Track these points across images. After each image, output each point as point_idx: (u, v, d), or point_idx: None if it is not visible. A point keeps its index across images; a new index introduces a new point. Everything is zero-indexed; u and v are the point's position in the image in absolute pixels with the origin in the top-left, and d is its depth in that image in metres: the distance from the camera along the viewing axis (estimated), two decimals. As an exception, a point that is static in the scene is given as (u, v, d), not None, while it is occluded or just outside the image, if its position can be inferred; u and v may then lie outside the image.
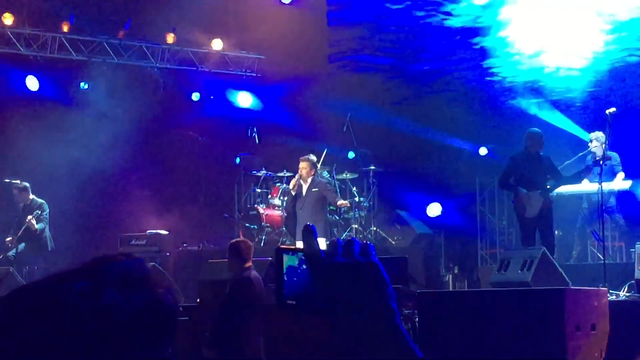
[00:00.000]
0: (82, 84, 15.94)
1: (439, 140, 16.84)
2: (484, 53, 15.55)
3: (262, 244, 14.13)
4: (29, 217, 13.79)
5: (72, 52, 15.72)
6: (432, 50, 15.95)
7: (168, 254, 14.42)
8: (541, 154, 11.63)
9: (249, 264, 8.87)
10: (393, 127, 17.00)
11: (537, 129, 12.00)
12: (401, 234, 15.51)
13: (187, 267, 13.60)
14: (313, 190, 12.77)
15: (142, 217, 15.65)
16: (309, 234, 1.55)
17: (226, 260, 8.99)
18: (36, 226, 13.83)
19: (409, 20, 15.14)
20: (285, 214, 14.50)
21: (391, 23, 15.49)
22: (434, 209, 16.78)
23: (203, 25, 16.18)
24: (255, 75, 17.15)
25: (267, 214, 14.53)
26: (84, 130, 15.39)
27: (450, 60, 16.08)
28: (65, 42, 15.62)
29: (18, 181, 14.25)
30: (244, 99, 16.75)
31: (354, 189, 15.02)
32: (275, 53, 16.62)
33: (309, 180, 12.84)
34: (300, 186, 12.90)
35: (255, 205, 14.93)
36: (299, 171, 12.90)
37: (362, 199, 14.87)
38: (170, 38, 16.19)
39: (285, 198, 14.49)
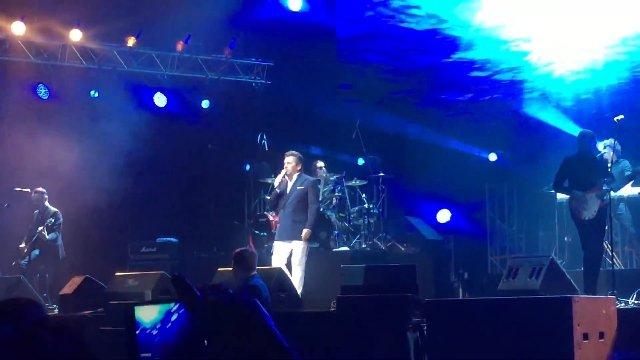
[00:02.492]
0: (92, 92, 16.00)
1: (448, 146, 16.83)
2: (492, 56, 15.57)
3: (271, 251, 14.13)
4: (40, 227, 13.87)
5: (83, 60, 15.78)
6: (439, 52, 15.98)
7: (178, 261, 14.45)
8: (595, 155, 11.45)
9: (254, 272, 8.88)
10: (402, 133, 17.01)
11: (588, 130, 11.69)
12: (411, 241, 15.48)
13: (198, 275, 13.60)
14: (298, 187, 12.05)
15: (152, 224, 15.70)
16: (179, 281, 1.55)
17: (237, 268, 8.99)
18: (47, 237, 13.91)
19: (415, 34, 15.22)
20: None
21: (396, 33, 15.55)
22: (444, 215, 16.78)
23: (212, 33, 16.24)
24: (264, 82, 17.19)
25: (276, 221, 14.49)
26: (94, 138, 15.46)
27: (460, 64, 16.10)
28: (75, 50, 15.70)
29: (28, 190, 14.33)
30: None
31: (364, 195, 15.02)
32: (284, 59, 16.67)
33: (295, 176, 12.12)
34: (285, 183, 12.18)
35: (265, 212, 14.95)
36: (284, 166, 12.14)
37: (371, 205, 14.86)
38: (179, 46, 16.26)
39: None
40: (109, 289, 11.39)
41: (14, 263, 13.96)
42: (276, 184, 12.16)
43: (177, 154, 16.71)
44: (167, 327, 1.59)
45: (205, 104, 16.85)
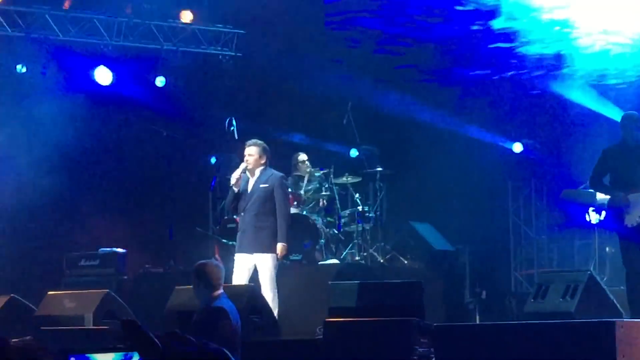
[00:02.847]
0: (18, 66, 15.95)
1: (463, 133, 16.86)
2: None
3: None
4: None
5: (6, 26, 15.74)
6: (455, 20, 16.01)
7: (126, 277, 14.44)
8: None
9: (220, 290, 8.88)
10: (405, 117, 17.02)
11: (633, 112, 11.49)
12: (415, 252, 15.54)
13: (151, 293, 13.63)
14: (262, 186, 11.79)
15: (93, 231, 15.67)
16: (132, 328, 1.57)
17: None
18: None
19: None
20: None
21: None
22: (456, 220, 16.79)
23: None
24: (234, 54, 17.19)
25: (246, 228, 14.55)
26: (19, 123, 15.42)
27: (477, 35, 16.13)
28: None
29: None
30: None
31: (357, 195, 15.05)
32: (258, 26, 16.67)
33: (258, 172, 11.87)
34: (246, 181, 11.93)
35: (235, 217, 14.93)
36: (245, 159, 11.86)
37: (366, 208, 14.90)
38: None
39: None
40: (40, 311, 11.38)
41: None
42: (233, 181, 11.88)
43: (124, 144, 16.68)
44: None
45: (160, 81, 16.82)
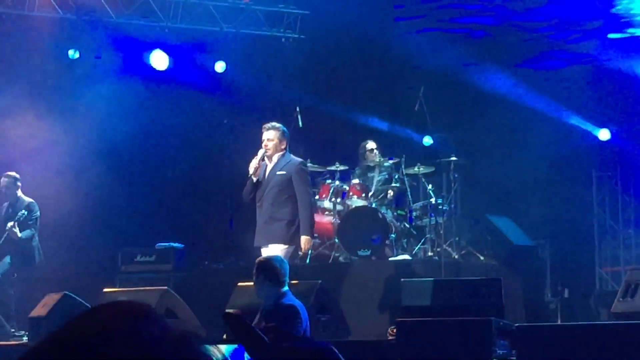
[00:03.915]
0: (70, 51, 16.10)
1: (543, 119, 16.73)
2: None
3: (307, 261, 14.19)
4: (10, 223, 14.01)
5: (58, 8, 15.89)
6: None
7: (184, 273, 14.54)
8: None
9: (285, 287, 8.89)
10: (481, 103, 16.94)
11: None
12: (493, 247, 15.46)
13: (210, 291, 13.70)
14: (279, 173, 11.50)
15: (150, 225, 15.79)
16: (236, 322, 1.57)
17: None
18: (19, 234, 14.06)
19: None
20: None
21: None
22: (536, 213, 16.69)
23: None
24: (297, 36, 17.22)
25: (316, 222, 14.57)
26: (73, 112, 15.59)
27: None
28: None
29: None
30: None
31: (430, 187, 15.00)
32: (322, 6, 16.66)
33: (276, 158, 11.58)
34: (263, 168, 11.60)
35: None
36: (263, 145, 11.56)
37: (439, 200, 14.85)
38: None
39: (338, 200, 14.52)
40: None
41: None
42: (251, 170, 11.53)
43: (182, 133, 16.79)
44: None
45: (220, 67, 16.88)
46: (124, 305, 1.48)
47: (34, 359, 1.41)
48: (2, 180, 14.41)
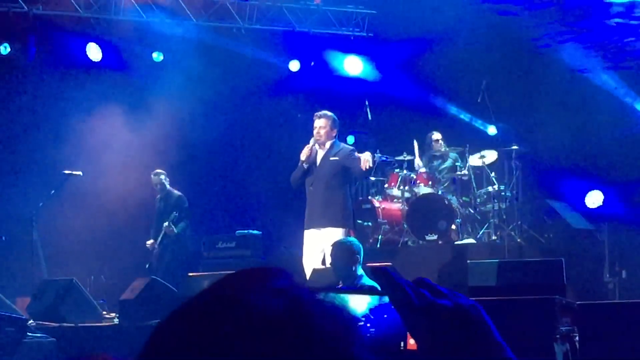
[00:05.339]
0: (154, 54, 16.34)
1: (602, 104, 16.62)
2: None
3: (378, 245, 14.35)
4: (165, 223, 14.46)
5: (142, 12, 16.10)
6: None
7: (263, 258, 14.74)
8: None
9: (360, 270, 8.98)
10: (541, 94, 16.91)
11: None
12: (553, 231, 15.48)
13: (289, 275, 13.86)
14: (331, 159, 11.48)
15: (230, 214, 16.01)
16: (385, 276, 1.56)
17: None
18: (176, 230, 14.54)
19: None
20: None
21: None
22: (595, 198, 16.66)
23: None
24: (365, 35, 17.31)
25: (383, 208, 14.73)
26: (158, 110, 15.84)
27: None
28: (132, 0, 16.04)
29: (80, 172, 14.71)
30: (353, 65, 16.88)
31: (493, 174, 15.06)
32: (389, 6, 16.73)
33: (328, 144, 11.59)
34: (315, 154, 11.61)
35: (370, 197, 15.14)
36: (315, 133, 11.60)
37: (502, 187, 14.91)
38: None
39: (406, 187, 14.64)
40: (181, 293, 11.60)
41: (147, 265, 14.57)
42: (303, 157, 11.52)
43: (259, 127, 16.97)
44: (376, 323, 1.68)
45: (294, 66, 17.01)
46: (263, 268, 1.44)
47: (189, 310, 1.35)
48: (152, 178, 14.93)
